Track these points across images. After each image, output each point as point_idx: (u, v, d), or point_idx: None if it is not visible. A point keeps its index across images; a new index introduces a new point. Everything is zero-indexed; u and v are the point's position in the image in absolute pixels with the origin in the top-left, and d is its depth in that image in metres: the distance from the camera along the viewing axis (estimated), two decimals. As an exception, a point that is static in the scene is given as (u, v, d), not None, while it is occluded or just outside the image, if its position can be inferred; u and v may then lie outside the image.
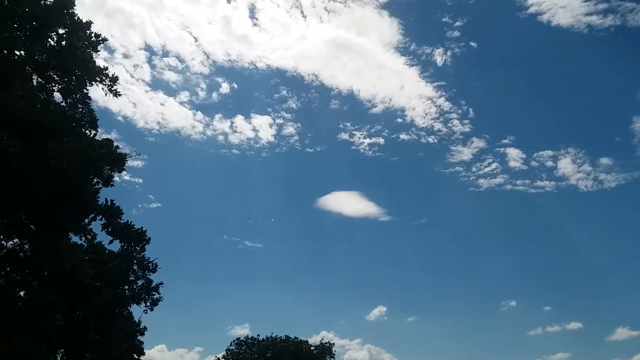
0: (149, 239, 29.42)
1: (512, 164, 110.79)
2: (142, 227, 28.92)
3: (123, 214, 27.95)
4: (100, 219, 27.36)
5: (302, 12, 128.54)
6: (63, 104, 20.76)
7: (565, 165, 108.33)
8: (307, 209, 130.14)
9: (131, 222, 28.42)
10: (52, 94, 20.57)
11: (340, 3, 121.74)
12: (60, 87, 20.31)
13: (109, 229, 27.90)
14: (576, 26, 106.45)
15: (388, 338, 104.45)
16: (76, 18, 19.89)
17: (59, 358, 25.03)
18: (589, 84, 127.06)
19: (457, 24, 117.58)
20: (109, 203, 27.27)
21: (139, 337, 29.13)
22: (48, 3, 19.42)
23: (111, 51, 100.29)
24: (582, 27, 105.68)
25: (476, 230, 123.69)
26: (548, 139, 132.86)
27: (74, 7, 20.07)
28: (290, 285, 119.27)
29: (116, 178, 22.53)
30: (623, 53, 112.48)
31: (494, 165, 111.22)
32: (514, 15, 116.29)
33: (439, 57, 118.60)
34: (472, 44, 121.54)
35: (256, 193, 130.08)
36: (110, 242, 28.17)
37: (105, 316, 24.76)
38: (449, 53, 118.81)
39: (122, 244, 27.69)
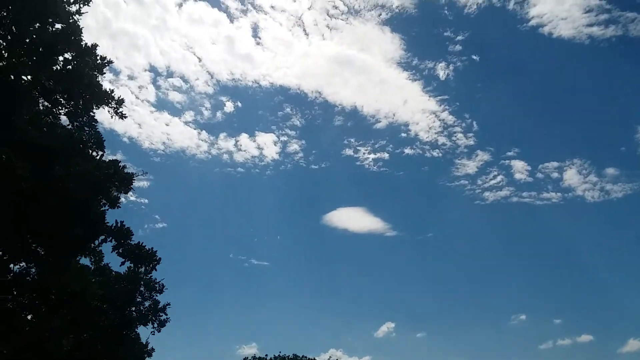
0: (160, 259, 29.51)
1: (517, 176, 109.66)
2: (152, 248, 29.04)
3: (133, 234, 28.13)
4: (110, 241, 27.53)
5: (304, 30, 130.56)
6: (70, 126, 21.05)
7: (571, 176, 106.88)
8: (313, 225, 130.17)
9: (142, 243, 28.59)
10: (59, 117, 20.90)
11: (342, 20, 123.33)
12: (66, 110, 20.61)
13: (120, 251, 28.04)
14: (578, 37, 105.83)
15: (397, 354, 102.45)
16: (82, 44, 20.25)
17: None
18: (592, 94, 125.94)
19: (459, 37, 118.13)
20: (118, 224, 27.45)
21: (147, 359, 28.93)
22: (55, 30, 19.84)
23: (116, 73, 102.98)
24: (584, 38, 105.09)
25: (483, 244, 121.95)
26: (553, 150, 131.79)
27: (81, 35, 20.45)
28: (298, 303, 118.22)
29: (122, 199, 22.59)
30: (626, 63, 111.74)
31: (499, 178, 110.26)
32: (516, 28, 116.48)
33: (442, 71, 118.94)
34: (475, 57, 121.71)
35: (261, 211, 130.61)
36: (122, 263, 28.30)
37: (113, 338, 24.63)
38: (451, 67, 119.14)
39: (131, 265, 27.71)
